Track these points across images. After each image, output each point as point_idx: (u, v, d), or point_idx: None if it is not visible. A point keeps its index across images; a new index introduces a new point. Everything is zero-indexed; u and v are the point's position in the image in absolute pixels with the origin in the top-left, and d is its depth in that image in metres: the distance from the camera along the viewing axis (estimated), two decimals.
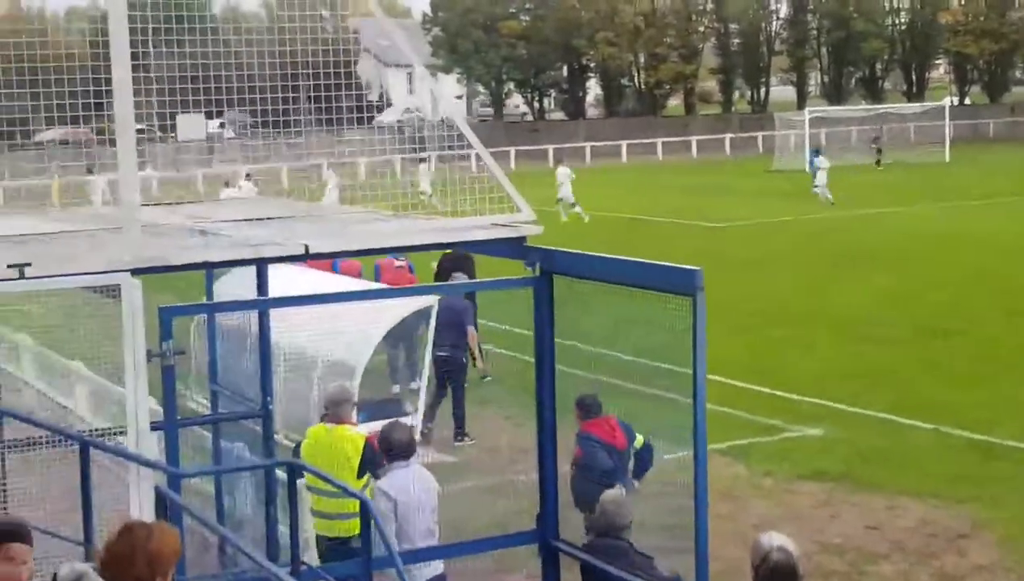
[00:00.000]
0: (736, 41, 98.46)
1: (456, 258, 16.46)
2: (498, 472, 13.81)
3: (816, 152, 50.45)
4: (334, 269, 17.83)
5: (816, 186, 45.46)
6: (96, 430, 9.90)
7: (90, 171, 41.36)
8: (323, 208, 9.98)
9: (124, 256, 7.10)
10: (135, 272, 7.10)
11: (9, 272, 6.85)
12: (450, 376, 15.99)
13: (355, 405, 10.54)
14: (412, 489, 8.87)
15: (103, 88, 9.41)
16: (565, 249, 8.35)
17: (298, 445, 10.78)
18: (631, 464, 10.55)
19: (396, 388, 17.54)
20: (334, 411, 10.05)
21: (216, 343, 11.52)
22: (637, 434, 10.53)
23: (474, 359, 16.83)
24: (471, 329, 16.15)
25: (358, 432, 10.21)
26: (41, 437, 8.96)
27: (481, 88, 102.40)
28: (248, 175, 38.65)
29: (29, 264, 6.87)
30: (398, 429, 9.26)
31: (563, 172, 42.36)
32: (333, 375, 13.23)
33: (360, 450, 9.83)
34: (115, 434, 9.24)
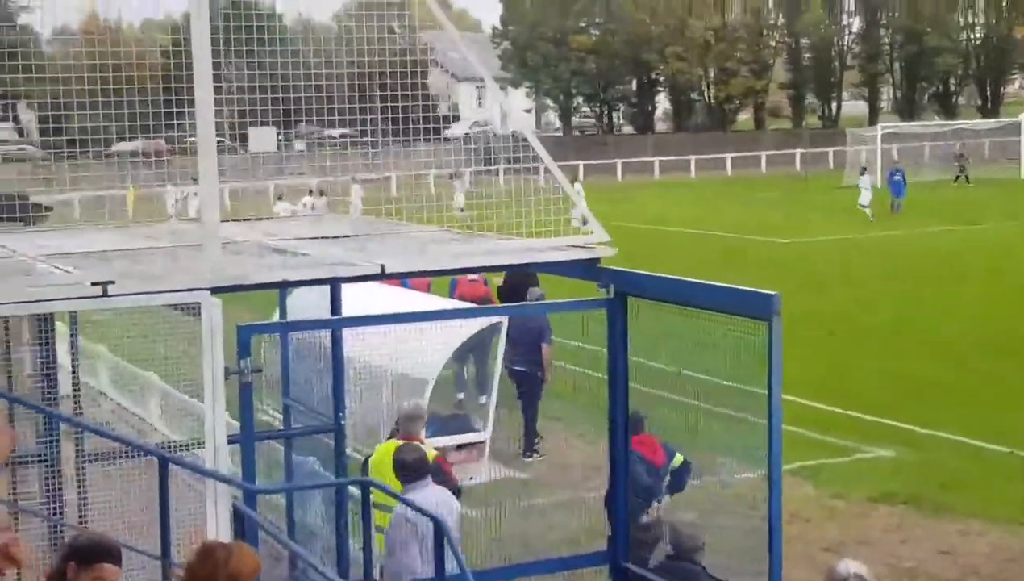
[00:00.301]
0: (807, 56, 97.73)
1: (523, 275, 16.51)
2: (569, 489, 13.81)
3: (863, 170, 48.83)
4: (403, 283, 17.94)
5: (861, 204, 44.75)
6: (172, 443, 10.04)
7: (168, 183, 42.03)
8: (397, 226, 10.04)
9: (204, 275, 7.21)
10: (215, 290, 7.21)
11: (93, 289, 6.99)
12: (525, 392, 16.04)
13: (426, 422, 10.65)
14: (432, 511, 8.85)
15: (176, 99, 9.59)
16: (639, 270, 8.36)
17: (367, 459, 10.89)
18: (667, 481, 10.53)
19: (463, 401, 17.59)
20: (406, 427, 10.18)
21: (289, 358, 11.65)
22: (677, 453, 10.52)
23: (548, 374, 16.84)
24: (546, 346, 16.18)
25: (431, 449, 10.34)
26: (120, 450, 9.12)
27: (550, 102, 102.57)
28: (318, 191, 38.97)
29: (112, 282, 7.00)
30: (407, 451, 9.21)
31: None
32: (403, 388, 13.33)
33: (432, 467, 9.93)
34: (191, 447, 9.39)
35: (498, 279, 18.70)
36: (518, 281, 17.21)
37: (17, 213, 9.57)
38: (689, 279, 8.01)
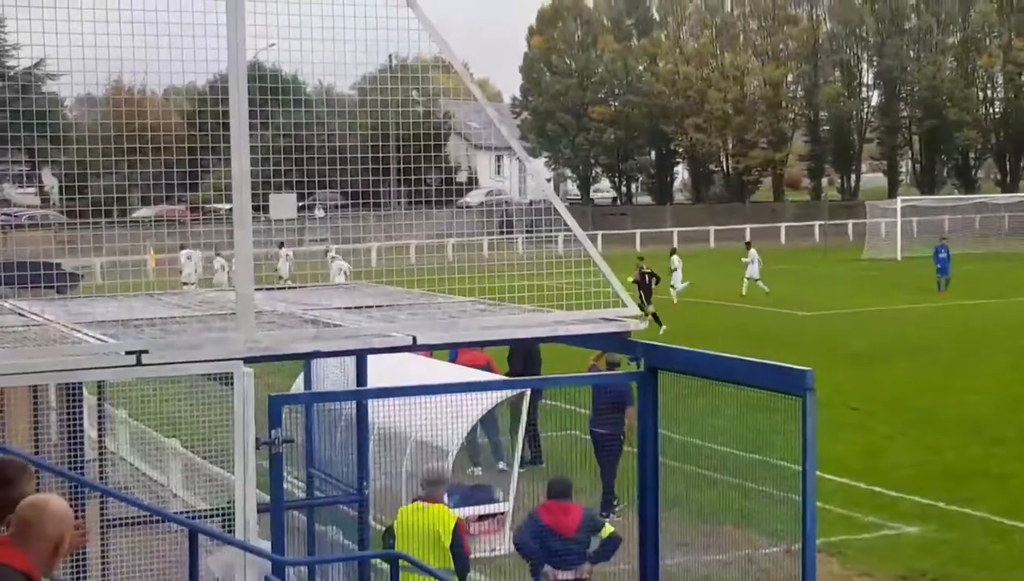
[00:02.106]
0: (826, 128, 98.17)
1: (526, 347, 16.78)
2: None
3: (748, 245, 46.21)
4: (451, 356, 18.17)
5: (751, 277, 43.28)
6: (198, 512, 10.00)
7: (183, 248, 42.48)
8: (427, 296, 10.05)
9: (239, 345, 7.21)
10: (248, 360, 7.21)
11: (127, 358, 6.99)
12: (604, 454, 16.03)
13: (448, 487, 10.71)
14: None
15: (193, 165, 9.65)
16: (668, 344, 8.34)
17: (388, 528, 10.87)
18: (590, 549, 10.87)
19: (478, 471, 17.52)
20: (429, 491, 10.32)
21: (314, 427, 11.63)
22: (608, 525, 10.96)
23: (631, 437, 16.82)
24: (629, 409, 16.20)
25: (450, 513, 10.38)
26: (145, 517, 9.09)
27: (569, 171, 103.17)
28: (333, 256, 39.31)
29: (146, 351, 7.01)
30: None
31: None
32: (424, 455, 13.27)
33: (451, 531, 10.09)
34: (215, 516, 9.34)
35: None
36: (529, 345, 17.36)
37: (54, 282, 9.60)
38: (720, 354, 7.97)
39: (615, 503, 15.88)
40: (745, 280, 43.58)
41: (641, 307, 14.99)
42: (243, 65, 7.15)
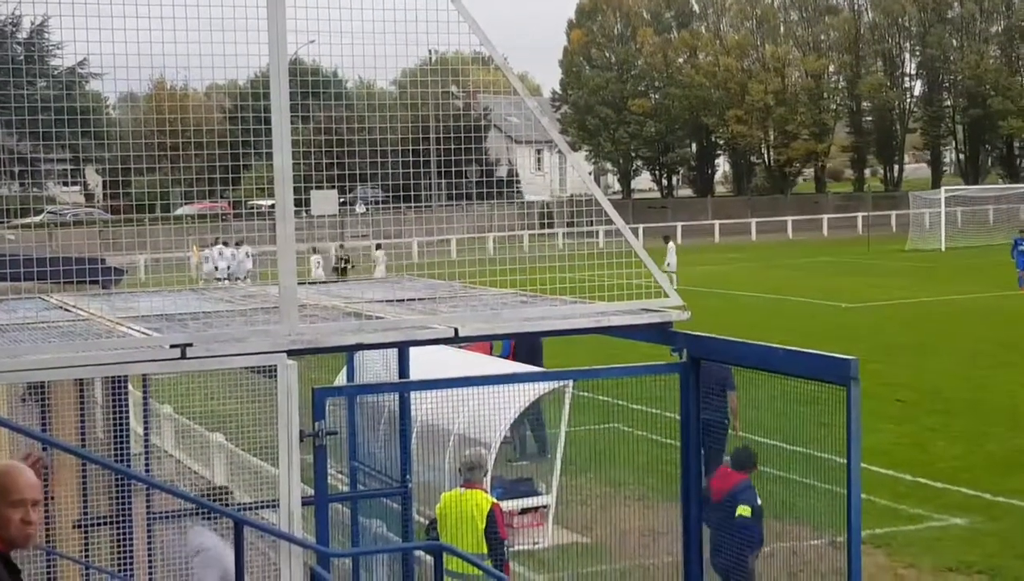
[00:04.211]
0: (868, 119, 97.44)
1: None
2: (630, 557, 13.65)
3: (667, 238, 45.91)
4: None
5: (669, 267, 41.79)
6: (242, 505, 10.06)
7: (225, 244, 42.93)
8: (468, 289, 10.06)
9: (282, 338, 7.26)
10: (291, 353, 7.25)
11: (172, 351, 7.05)
12: (711, 439, 15.97)
13: (486, 472, 10.78)
14: None
15: (240, 161, 9.69)
16: (711, 334, 8.31)
17: (431, 522, 10.94)
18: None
19: (525, 463, 17.55)
20: (467, 476, 10.63)
21: (356, 420, 11.69)
22: (743, 507, 10.41)
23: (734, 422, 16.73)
24: (732, 393, 16.12)
25: (487, 498, 10.48)
26: (191, 510, 9.18)
27: (609, 165, 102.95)
28: (379, 245, 39.94)
29: (191, 344, 7.06)
30: None
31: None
32: (466, 448, 13.31)
33: (485, 515, 10.29)
34: (261, 508, 9.40)
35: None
36: (532, 338, 17.35)
37: (99, 277, 9.69)
38: (763, 343, 7.94)
39: None
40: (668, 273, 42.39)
41: None
42: (284, 61, 7.18)
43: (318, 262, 39.38)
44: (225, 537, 8.88)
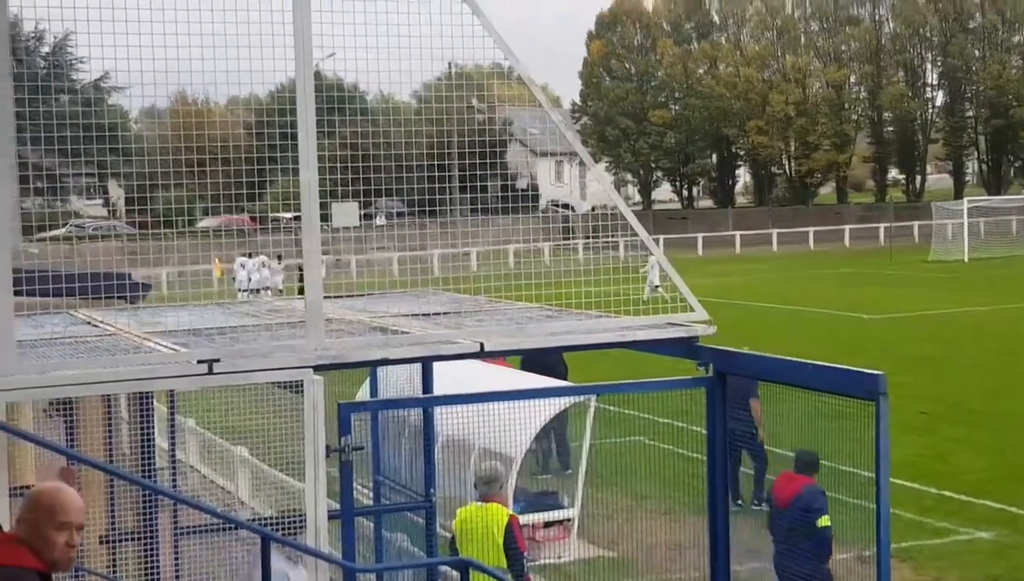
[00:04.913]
0: (890, 129, 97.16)
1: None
2: (656, 571, 13.61)
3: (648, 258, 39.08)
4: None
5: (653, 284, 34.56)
6: (266, 519, 10.07)
7: (248, 255, 43.06)
8: (492, 303, 10.07)
9: (309, 353, 7.27)
10: (317, 368, 7.26)
11: (199, 367, 7.07)
12: (737, 449, 15.85)
13: (501, 485, 10.75)
14: None
15: (261, 172, 9.71)
16: (737, 349, 8.30)
17: (454, 538, 10.93)
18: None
19: (548, 476, 17.52)
20: (483, 489, 10.52)
21: (379, 433, 11.70)
22: (823, 518, 10.14)
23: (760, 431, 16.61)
24: (754, 401, 16.03)
25: (504, 511, 10.45)
26: (216, 524, 9.19)
27: (629, 176, 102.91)
28: (276, 257, 40.42)
29: (218, 360, 7.08)
30: None
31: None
32: (489, 461, 13.30)
33: (503, 528, 10.22)
34: (286, 523, 9.40)
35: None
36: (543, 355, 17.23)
37: (125, 292, 9.73)
38: (791, 358, 7.91)
39: (764, 496, 15.61)
40: (647, 287, 38.03)
41: None
42: (310, 77, 7.21)
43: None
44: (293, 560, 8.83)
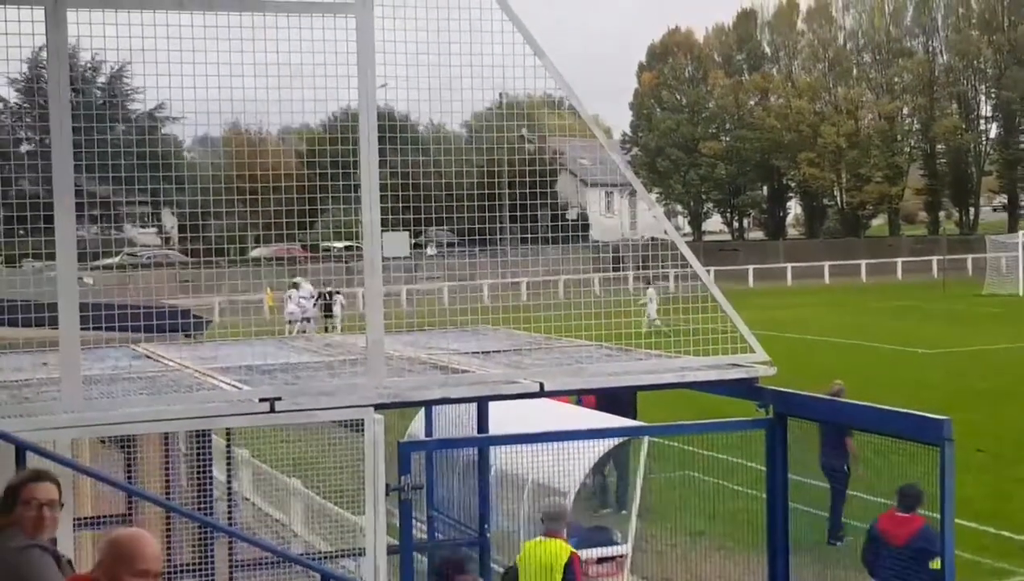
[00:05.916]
0: (943, 161, 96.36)
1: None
2: None
3: (648, 282, 33.84)
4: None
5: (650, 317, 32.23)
6: (321, 554, 10.11)
7: (296, 286, 43.18)
8: (549, 341, 10.06)
9: (370, 392, 7.29)
10: (378, 407, 7.28)
11: (261, 405, 7.11)
12: (833, 484, 15.74)
13: (569, 522, 10.73)
14: None
15: (318, 205, 9.74)
16: (799, 391, 8.23)
17: (507, 570, 10.91)
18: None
19: (605, 513, 17.41)
20: (548, 525, 10.46)
21: (434, 469, 11.72)
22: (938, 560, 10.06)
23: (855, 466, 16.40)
24: (849, 440, 15.85)
25: (565, 547, 10.42)
26: (272, 560, 9.21)
27: (680, 207, 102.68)
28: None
29: (279, 398, 7.12)
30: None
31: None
32: (543, 496, 13.27)
33: (563, 566, 10.14)
34: (341, 556, 9.43)
35: None
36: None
37: (190, 327, 9.82)
38: (852, 402, 7.84)
39: (840, 534, 15.45)
40: (645, 320, 33.27)
41: None
42: (373, 118, 7.26)
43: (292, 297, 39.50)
44: None
